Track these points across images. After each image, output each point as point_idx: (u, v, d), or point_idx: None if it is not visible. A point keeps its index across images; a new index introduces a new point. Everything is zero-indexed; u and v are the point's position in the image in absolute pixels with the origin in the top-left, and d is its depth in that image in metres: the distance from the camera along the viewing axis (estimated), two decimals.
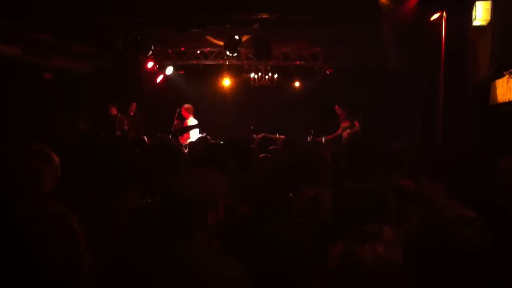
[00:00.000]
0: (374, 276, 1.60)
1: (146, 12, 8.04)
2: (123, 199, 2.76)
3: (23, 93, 9.16)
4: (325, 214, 2.28)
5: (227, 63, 12.15)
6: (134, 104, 10.87)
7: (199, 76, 12.84)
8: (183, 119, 10.34)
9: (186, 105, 10.34)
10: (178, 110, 10.59)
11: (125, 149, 4.98)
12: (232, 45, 10.08)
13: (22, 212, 1.86)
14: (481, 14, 5.56)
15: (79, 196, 2.83)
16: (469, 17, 5.81)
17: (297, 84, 13.32)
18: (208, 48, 11.67)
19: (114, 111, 10.65)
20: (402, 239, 1.59)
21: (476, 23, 5.66)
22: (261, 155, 4.15)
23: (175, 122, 10.36)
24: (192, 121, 10.30)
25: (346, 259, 1.65)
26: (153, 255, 1.95)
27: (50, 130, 9.14)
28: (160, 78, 12.47)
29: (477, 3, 5.60)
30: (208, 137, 6.90)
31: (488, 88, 5.60)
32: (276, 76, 12.93)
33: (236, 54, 10.37)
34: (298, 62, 11.90)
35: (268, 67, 12.67)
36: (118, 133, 10.25)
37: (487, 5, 5.56)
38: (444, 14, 6.48)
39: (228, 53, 10.24)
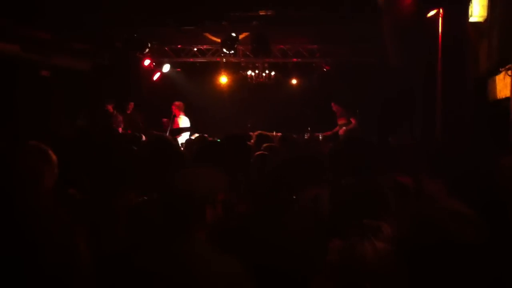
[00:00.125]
0: (373, 271, 1.61)
1: (144, 9, 8.02)
2: (123, 196, 2.76)
3: (22, 91, 9.13)
4: (324, 211, 2.29)
5: (224, 61, 12.13)
6: (132, 103, 10.82)
7: (196, 73, 12.82)
8: (174, 116, 10.38)
9: (177, 102, 10.39)
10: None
11: (122, 146, 4.97)
12: (229, 43, 10.08)
13: (21, 209, 1.86)
14: (477, 11, 5.57)
15: (78, 193, 2.83)
16: (465, 13, 5.82)
17: (294, 81, 13.32)
18: (205, 46, 11.65)
19: (110, 108, 10.64)
20: (396, 233, 1.59)
21: (472, 19, 5.67)
22: (257, 153, 4.15)
23: (165, 120, 10.38)
24: (183, 118, 10.33)
25: (346, 255, 1.66)
26: (152, 252, 1.96)
27: (48, 127, 9.11)
28: (157, 76, 12.45)
29: None
30: (205, 135, 6.90)
31: (485, 85, 5.62)
32: (273, 73, 12.92)
33: (233, 52, 10.36)
34: (295, 59, 11.90)
35: (266, 64, 12.66)
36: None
37: (484, 2, 5.57)
38: (441, 10, 6.49)
39: (225, 50, 10.24)
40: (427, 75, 7.52)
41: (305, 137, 10.65)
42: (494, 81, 5.40)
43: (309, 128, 11.14)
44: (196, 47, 11.78)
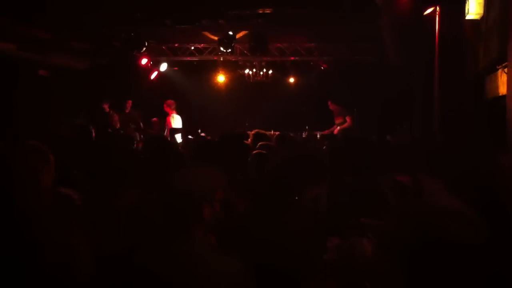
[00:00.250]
0: (372, 270, 1.61)
1: (142, 8, 8.01)
2: (122, 196, 2.75)
3: (20, 90, 9.11)
4: (324, 211, 2.29)
5: (222, 59, 12.12)
6: (129, 101, 10.79)
7: (193, 72, 12.81)
8: (166, 114, 10.40)
9: (169, 101, 10.41)
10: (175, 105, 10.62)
11: (121, 146, 4.97)
12: (226, 41, 10.08)
13: (20, 209, 1.86)
14: (474, 8, 5.58)
15: (75, 193, 2.82)
16: (462, 11, 5.82)
17: (292, 80, 13.32)
18: (202, 44, 11.64)
19: (106, 108, 10.61)
20: (395, 232, 1.59)
21: (469, 17, 5.68)
22: (254, 152, 4.15)
23: (155, 119, 10.37)
24: (175, 117, 10.34)
25: (345, 253, 1.66)
26: (151, 251, 1.96)
27: (47, 127, 9.10)
28: (154, 75, 12.43)
29: None
30: (203, 134, 6.91)
31: (483, 82, 5.63)
32: (271, 72, 12.92)
33: (230, 50, 10.36)
34: (292, 58, 11.89)
35: (263, 63, 12.66)
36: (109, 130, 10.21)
37: None
38: (438, 8, 6.50)
39: (222, 49, 10.23)
40: (425, 73, 7.54)
41: (303, 136, 10.65)
42: (492, 79, 5.41)
43: (307, 127, 11.14)
44: (193, 46, 11.77)
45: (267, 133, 6.67)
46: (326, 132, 10.90)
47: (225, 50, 10.30)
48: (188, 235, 1.95)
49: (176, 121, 10.32)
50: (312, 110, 11.82)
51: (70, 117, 9.49)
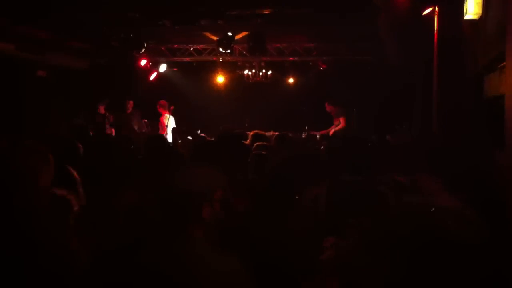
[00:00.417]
0: (369, 269, 1.61)
1: (141, 8, 8.01)
2: (122, 196, 2.76)
3: (19, 90, 9.11)
4: (323, 210, 2.29)
5: (221, 60, 12.12)
6: (131, 102, 10.76)
7: (192, 73, 12.82)
8: (159, 115, 10.42)
9: (162, 101, 10.45)
10: (172, 107, 10.62)
11: (122, 146, 4.97)
12: (225, 42, 10.08)
13: (19, 208, 1.87)
14: (472, 8, 5.58)
15: (69, 193, 2.82)
16: (460, 11, 5.83)
17: (291, 80, 13.32)
18: (201, 45, 11.64)
19: (101, 109, 10.60)
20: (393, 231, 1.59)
21: (467, 17, 5.68)
22: (254, 152, 4.16)
23: (144, 120, 10.37)
24: (169, 117, 10.38)
25: (342, 253, 1.66)
26: (151, 251, 1.96)
27: (46, 127, 9.09)
28: (153, 76, 12.43)
29: None
30: (203, 134, 6.92)
31: (482, 82, 5.63)
32: (270, 72, 12.92)
33: (229, 51, 10.35)
34: (292, 58, 11.89)
35: (262, 63, 12.66)
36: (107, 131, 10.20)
37: None
38: (436, 8, 6.51)
39: (221, 49, 10.23)
40: (424, 72, 7.55)
41: (303, 136, 10.64)
42: (490, 78, 5.42)
43: (306, 127, 11.14)
44: (192, 47, 11.76)
45: (266, 133, 6.69)
46: (324, 132, 10.89)
47: (224, 51, 10.29)
48: (188, 234, 1.95)
49: (170, 121, 10.36)
50: (312, 110, 11.81)
51: (69, 117, 9.48)
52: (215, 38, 10.29)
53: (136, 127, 10.33)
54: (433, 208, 1.70)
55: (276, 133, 7.72)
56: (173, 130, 10.04)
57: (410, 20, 6.65)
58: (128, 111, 10.67)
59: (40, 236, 1.80)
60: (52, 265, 1.81)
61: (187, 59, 12.13)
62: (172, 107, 10.54)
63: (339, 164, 2.88)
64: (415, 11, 6.51)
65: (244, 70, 12.93)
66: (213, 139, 6.08)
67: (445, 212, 1.57)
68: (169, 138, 9.73)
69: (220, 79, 13.20)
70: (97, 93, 10.71)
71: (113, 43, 9.97)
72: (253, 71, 12.83)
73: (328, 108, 10.82)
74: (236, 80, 13.34)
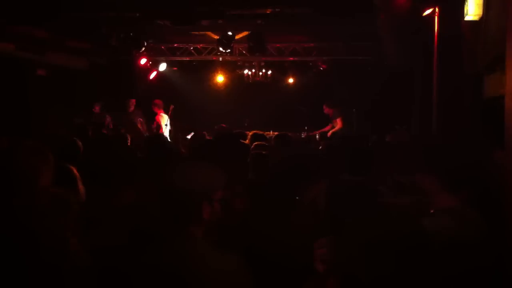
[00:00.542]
0: (369, 268, 1.61)
1: (141, 7, 8.01)
2: (121, 194, 2.76)
3: (18, 90, 9.11)
4: (323, 209, 2.30)
5: (221, 59, 12.12)
6: (133, 100, 10.72)
7: (192, 72, 12.82)
8: (155, 114, 10.44)
9: (156, 101, 10.47)
10: (172, 107, 10.62)
11: (117, 145, 4.98)
12: (225, 41, 10.07)
13: (18, 208, 1.87)
14: (473, 9, 5.59)
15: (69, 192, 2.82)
16: (461, 12, 5.84)
17: (291, 80, 13.32)
18: (201, 44, 11.64)
19: (97, 109, 10.58)
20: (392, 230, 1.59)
21: (468, 18, 5.69)
22: (253, 152, 4.17)
23: (141, 119, 10.37)
24: (164, 116, 10.39)
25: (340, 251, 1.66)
26: (151, 250, 1.96)
27: (45, 126, 9.09)
28: (153, 75, 12.43)
29: None
30: (204, 132, 6.91)
31: (481, 82, 5.64)
32: (270, 72, 12.92)
33: (229, 50, 10.36)
34: (291, 58, 11.89)
35: (262, 63, 12.66)
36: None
37: (479, 0, 5.59)
38: (437, 9, 6.52)
39: (221, 49, 10.23)
40: (424, 73, 7.55)
41: (302, 136, 10.64)
42: (490, 79, 5.43)
43: (306, 127, 11.14)
44: (192, 46, 11.76)
45: (266, 133, 6.69)
46: (322, 130, 10.87)
47: (224, 51, 10.29)
48: (188, 234, 1.95)
49: (164, 120, 10.40)
50: (311, 110, 11.81)
51: (69, 117, 9.48)
52: (216, 37, 10.27)
53: (139, 126, 10.31)
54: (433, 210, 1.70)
55: (276, 133, 7.73)
56: (173, 129, 10.06)
57: (410, 20, 6.66)
58: (130, 110, 10.64)
59: (40, 236, 1.80)
60: (52, 264, 1.81)
61: (187, 58, 12.13)
62: (172, 107, 10.56)
63: (339, 164, 2.89)
64: (415, 12, 6.52)
65: (244, 69, 12.93)
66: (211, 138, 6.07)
67: (443, 212, 1.57)
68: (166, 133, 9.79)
69: (220, 78, 13.20)
70: (97, 93, 10.71)
71: (113, 43, 9.96)
72: (253, 70, 12.84)
73: (326, 110, 10.81)
74: (236, 80, 13.34)
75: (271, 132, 9.77)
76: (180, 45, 11.77)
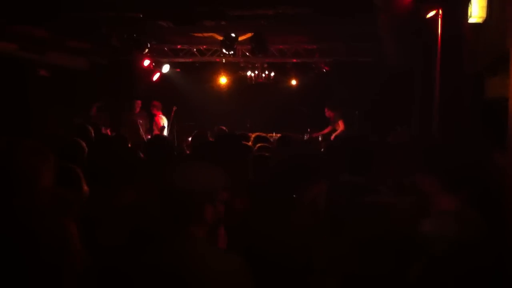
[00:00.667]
0: (368, 267, 1.61)
1: (144, 7, 8.02)
2: (122, 194, 2.76)
3: (19, 90, 9.13)
4: (323, 209, 2.30)
5: (224, 61, 12.13)
6: (139, 101, 10.71)
7: (195, 73, 12.83)
8: (153, 116, 10.44)
9: (155, 102, 10.50)
10: (175, 108, 10.63)
11: (117, 145, 4.98)
12: (228, 43, 10.08)
13: (18, 205, 1.87)
14: (476, 11, 5.57)
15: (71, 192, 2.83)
16: (463, 13, 5.83)
17: (293, 82, 13.32)
18: (204, 46, 11.64)
19: (94, 111, 10.58)
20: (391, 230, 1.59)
21: (472, 20, 5.68)
22: (255, 154, 4.17)
23: (140, 121, 10.39)
24: (163, 118, 10.41)
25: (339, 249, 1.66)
26: (152, 250, 1.96)
27: (46, 126, 9.11)
28: (156, 76, 12.44)
29: (472, 0, 5.62)
30: (207, 132, 6.91)
31: (482, 83, 5.63)
32: (272, 74, 12.93)
33: (232, 52, 10.37)
34: (294, 60, 11.89)
35: (265, 65, 12.67)
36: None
37: (483, 3, 5.57)
38: (440, 11, 6.51)
39: (224, 50, 10.24)
40: (425, 74, 7.55)
41: (305, 138, 10.64)
42: (492, 80, 5.42)
43: (309, 129, 11.14)
44: (195, 47, 11.77)
45: (268, 135, 6.69)
46: (324, 131, 10.87)
47: (227, 52, 10.30)
48: (189, 234, 1.95)
49: (163, 121, 10.42)
50: (314, 111, 11.81)
51: (70, 117, 9.49)
52: (220, 38, 10.28)
53: (144, 127, 10.32)
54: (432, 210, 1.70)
55: (278, 135, 7.73)
56: (176, 130, 10.09)
57: (411, 21, 6.65)
58: (136, 111, 10.64)
59: (40, 236, 1.80)
60: (53, 264, 1.82)
61: (190, 60, 12.14)
62: (174, 108, 10.57)
63: (339, 164, 2.88)
64: (416, 12, 6.52)
65: (247, 71, 12.94)
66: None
67: (443, 212, 1.57)
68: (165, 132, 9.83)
69: (223, 80, 13.22)
70: (97, 93, 10.72)
71: (116, 43, 9.98)
72: (256, 72, 12.85)
73: (328, 113, 10.82)
74: (238, 81, 13.35)
75: (273, 134, 9.77)
76: (183, 46, 11.78)
